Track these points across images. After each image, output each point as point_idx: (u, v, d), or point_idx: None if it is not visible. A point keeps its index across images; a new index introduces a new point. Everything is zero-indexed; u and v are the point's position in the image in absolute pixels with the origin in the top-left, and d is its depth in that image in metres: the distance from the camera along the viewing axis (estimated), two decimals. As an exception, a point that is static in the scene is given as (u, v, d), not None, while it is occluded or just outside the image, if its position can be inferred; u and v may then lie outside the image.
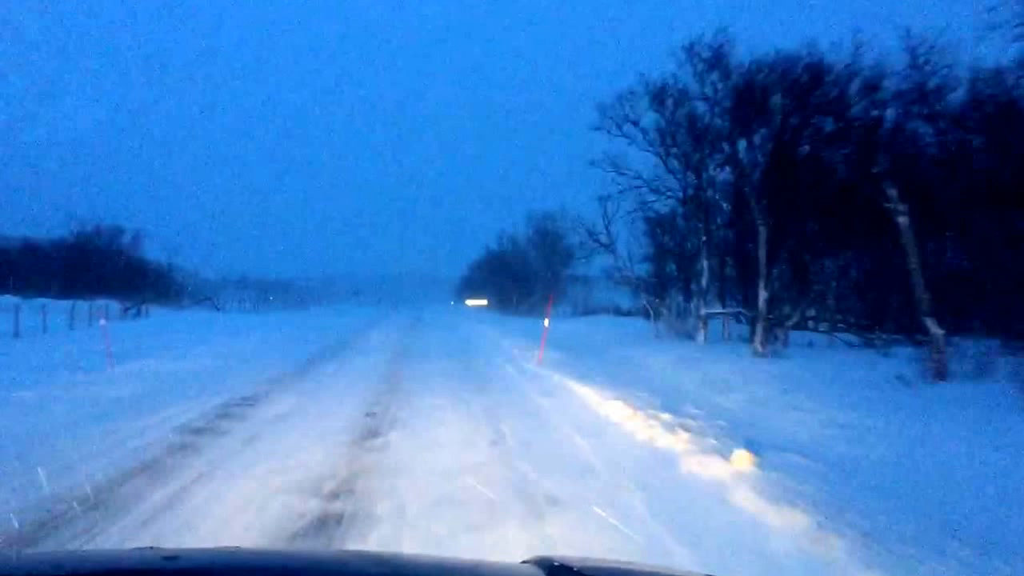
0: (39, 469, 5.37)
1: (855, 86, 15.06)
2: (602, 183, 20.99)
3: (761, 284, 15.25)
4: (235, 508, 4.77)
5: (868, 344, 15.30)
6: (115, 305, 31.86)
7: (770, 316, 15.45)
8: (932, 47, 13.36)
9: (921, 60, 13.46)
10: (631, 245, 23.98)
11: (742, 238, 19.47)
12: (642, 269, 24.89)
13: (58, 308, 24.83)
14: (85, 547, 4.03)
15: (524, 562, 1.61)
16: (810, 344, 16.59)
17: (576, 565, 1.50)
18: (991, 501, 5.04)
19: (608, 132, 19.78)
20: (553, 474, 5.71)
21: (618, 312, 32.99)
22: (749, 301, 17.39)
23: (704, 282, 19.16)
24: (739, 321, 20.06)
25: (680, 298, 23.39)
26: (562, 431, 7.64)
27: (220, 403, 9.12)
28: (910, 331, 13.42)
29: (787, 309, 16.40)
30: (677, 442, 6.49)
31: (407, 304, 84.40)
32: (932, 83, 13.63)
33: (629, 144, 19.87)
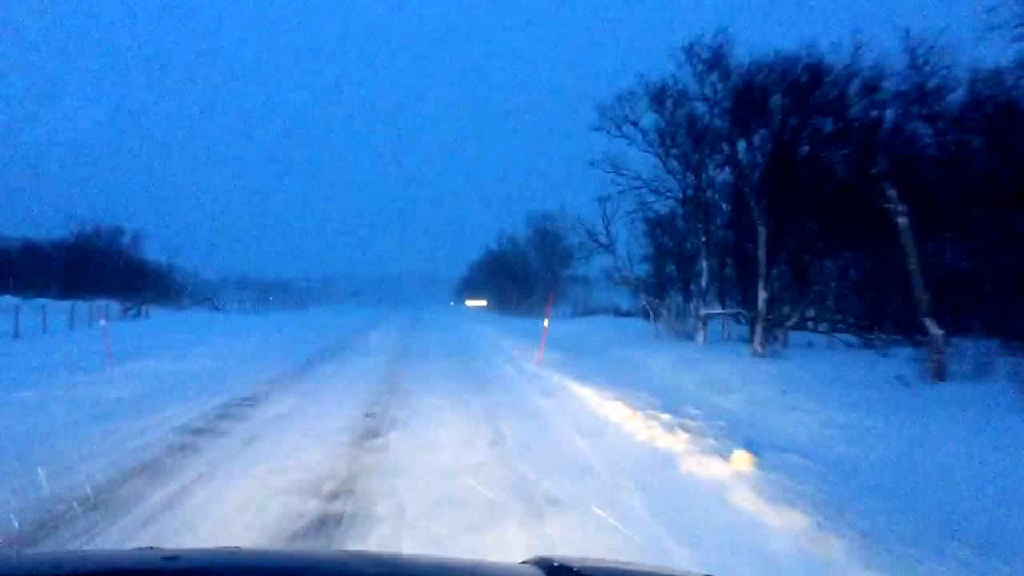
0: (39, 469, 5.37)
1: (854, 87, 15.08)
2: (602, 184, 21.01)
3: (760, 284, 15.26)
4: (235, 508, 4.77)
5: (867, 344, 15.30)
6: (115, 305, 31.85)
7: (769, 316, 15.46)
8: (931, 48, 13.39)
9: (920, 61, 13.49)
10: (631, 245, 24.01)
11: (742, 238, 19.48)
12: (641, 269, 24.93)
13: (58, 308, 24.82)
14: (85, 547, 4.03)
15: (524, 562, 1.62)
16: (809, 344, 16.60)
17: (576, 565, 1.51)
18: (990, 501, 5.04)
19: (608, 133, 19.80)
20: (552, 474, 5.71)
21: (618, 313, 32.98)
22: (748, 301, 17.39)
23: (704, 282, 19.16)
24: (738, 322, 20.06)
25: (680, 298, 23.40)
26: (562, 431, 7.64)
27: (220, 403, 9.12)
28: (909, 331, 13.42)
29: (786, 309, 16.41)
30: (677, 442, 6.49)
31: (407, 304, 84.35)
32: (931, 84, 13.65)
33: (629, 145, 19.89)
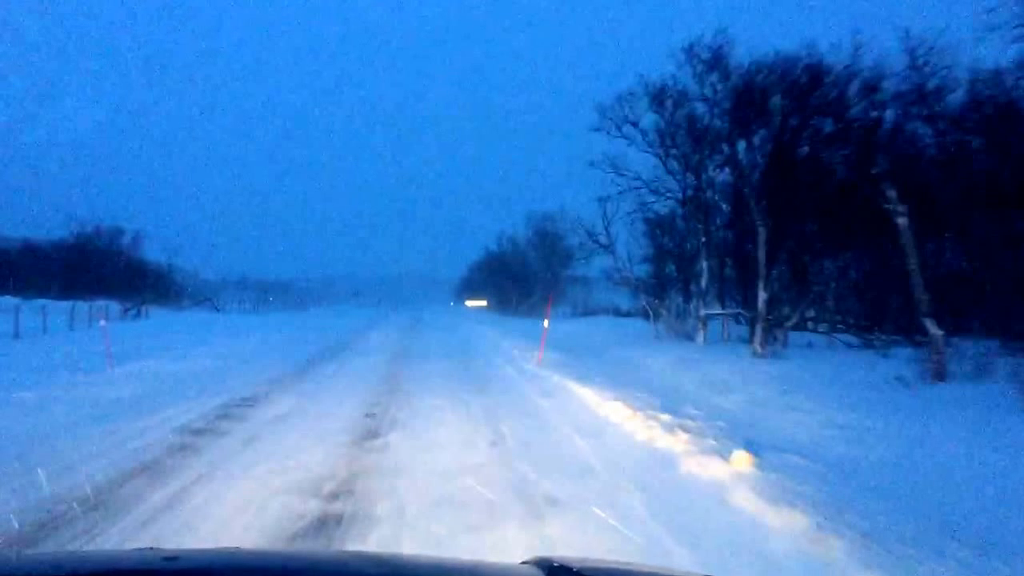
0: (39, 470, 5.37)
1: (854, 87, 15.09)
2: (601, 184, 21.02)
3: (760, 285, 15.25)
4: (235, 509, 4.77)
5: (867, 345, 15.30)
6: (115, 306, 31.84)
7: (769, 317, 15.45)
8: (931, 48, 13.42)
9: (920, 61, 13.51)
10: (630, 246, 24.04)
11: (741, 239, 19.48)
12: (641, 270, 24.96)
13: (58, 309, 24.81)
14: (85, 548, 4.03)
15: (524, 563, 1.62)
16: (809, 345, 16.59)
17: (576, 566, 1.51)
18: (990, 502, 5.04)
19: (608, 133, 19.80)
20: (552, 475, 5.71)
21: (618, 313, 32.98)
22: (748, 302, 17.39)
23: (703, 283, 19.16)
24: (738, 322, 20.07)
25: (679, 299, 23.40)
26: (562, 432, 7.64)
27: (220, 404, 9.12)
28: (909, 332, 13.42)
29: (786, 310, 16.40)
30: (676, 443, 6.49)
31: (407, 305, 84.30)
32: (931, 84, 13.66)
33: (628, 145, 19.89)
